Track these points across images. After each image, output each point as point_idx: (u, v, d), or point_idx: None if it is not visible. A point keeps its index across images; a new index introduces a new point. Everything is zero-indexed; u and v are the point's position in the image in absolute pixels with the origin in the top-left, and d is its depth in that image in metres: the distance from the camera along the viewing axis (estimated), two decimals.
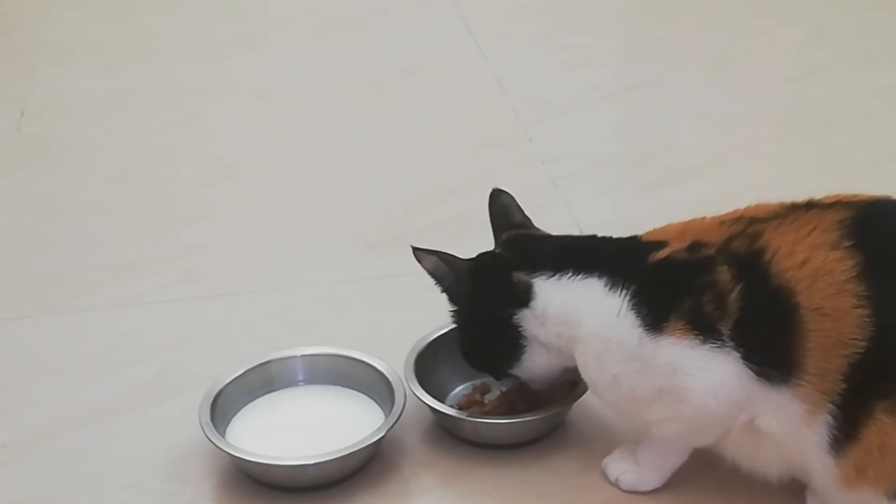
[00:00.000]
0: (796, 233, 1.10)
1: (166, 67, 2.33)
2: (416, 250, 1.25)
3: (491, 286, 1.23)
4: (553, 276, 1.20)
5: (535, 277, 1.21)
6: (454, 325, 1.30)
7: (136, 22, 2.55)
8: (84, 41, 2.47)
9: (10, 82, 2.28)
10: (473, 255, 1.28)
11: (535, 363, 1.24)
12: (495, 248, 1.27)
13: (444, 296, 1.28)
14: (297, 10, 2.58)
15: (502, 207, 1.31)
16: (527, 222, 1.31)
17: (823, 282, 1.07)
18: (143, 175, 1.95)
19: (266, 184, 1.92)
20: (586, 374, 1.22)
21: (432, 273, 1.26)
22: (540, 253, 1.23)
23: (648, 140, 2.04)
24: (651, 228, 1.22)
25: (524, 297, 1.21)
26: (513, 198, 1.32)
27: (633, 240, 1.21)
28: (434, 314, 1.35)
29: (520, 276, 1.21)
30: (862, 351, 1.06)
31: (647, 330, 1.14)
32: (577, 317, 1.19)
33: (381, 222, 1.78)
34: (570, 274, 1.19)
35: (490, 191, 1.32)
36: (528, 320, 1.22)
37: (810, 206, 1.14)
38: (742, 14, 2.49)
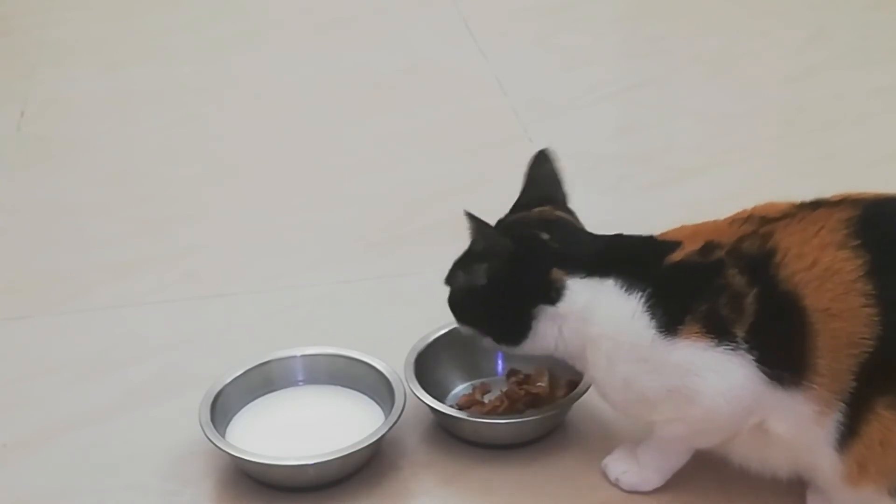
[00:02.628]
0: (804, 232, 1.10)
1: (166, 67, 2.33)
2: (468, 215, 1.22)
3: (528, 276, 1.21)
4: (584, 277, 1.20)
5: (570, 277, 1.20)
6: (465, 274, 1.26)
7: (136, 22, 2.55)
8: (84, 41, 2.47)
9: (10, 82, 2.28)
10: (515, 235, 1.24)
11: (527, 348, 1.24)
12: (539, 231, 1.23)
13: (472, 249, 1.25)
14: (296, 10, 2.58)
15: (549, 174, 1.30)
16: (566, 199, 1.30)
17: (832, 282, 1.07)
18: (143, 175, 1.95)
19: (266, 184, 1.92)
20: (595, 374, 1.21)
21: (473, 235, 1.24)
22: (581, 253, 1.21)
23: (648, 140, 2.04)
24: (658, 230, 1.22)
25: (554, 295, 1.20)
26: (557, 167, 1.31)
27: (651, 241, 1.21)
28: (434, 314, 1.35)
29: (559, 273, 1.20)
30: (871, 350, 1.06)
31: (661, 332, 1.13)
32: (593, 317, 1.18)
33: (381, 222, 1.78)
34: (597, 276, 1.19)
35: (536, 153, 1.32)
36: (546, 315, 1.21)
37: (818, 204, 1.14)
38: (742, 14, 2.49)
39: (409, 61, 2.32)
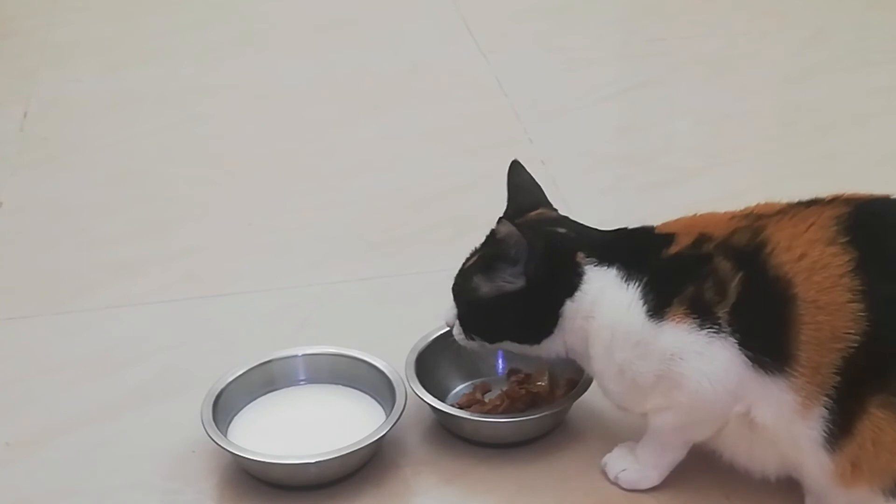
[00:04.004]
0: (795, 228, 1.12)
1: (167, 69, 2.34)
2: (502, 220, 1.21)
3: (559, 269, 1.21)
4: (597, 265, 1.21)
5: (587, 263, 1.21)
6: (488, 281, 1.24)
7: (138, 23, 2.55)
8: (86, 43, 2.47)
9: (14, 83, 2.28)
10: (539, 233, 1.24)
11: (545, 347, 1.24)
12: (554, 227, 1.25)
13: (500, 260, 1.22)
14: (297, 11, 2.58)
15: (529, 181, 1.33)
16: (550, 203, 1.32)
17: (819, 275, 1.09)
18: (145, 175, 1.95)
19: (266, 184, 1.92)
20: (595, 365, 1.22)
21: (504, 241, 1.21)
22: (594, 240, 1.23)
23: (648, 140, 2.04)
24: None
25: (577, 282, 1.20)
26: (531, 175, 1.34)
27: (650, 234, 1.22)
28: (435, 313, 1.35)
29: (581, 256, 1.21)
30: (856, 345, 1.07)
31: (650, 315, 1.15)
32: (596, 311, 1.20)
33: (381, 222, 1.79)
34: (605, 264, 1.20)
35: (511, 164, 1.33)
36: (569, 312, 1.21)
37: (811, 202, 1.16)
38: (741, 15, 2.50)
39: (410, 62, 2.32)
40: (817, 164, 1.90)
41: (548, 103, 2.14)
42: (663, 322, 1.15)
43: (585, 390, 1.32)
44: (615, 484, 1.27)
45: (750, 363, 1.12)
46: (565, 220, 1.28)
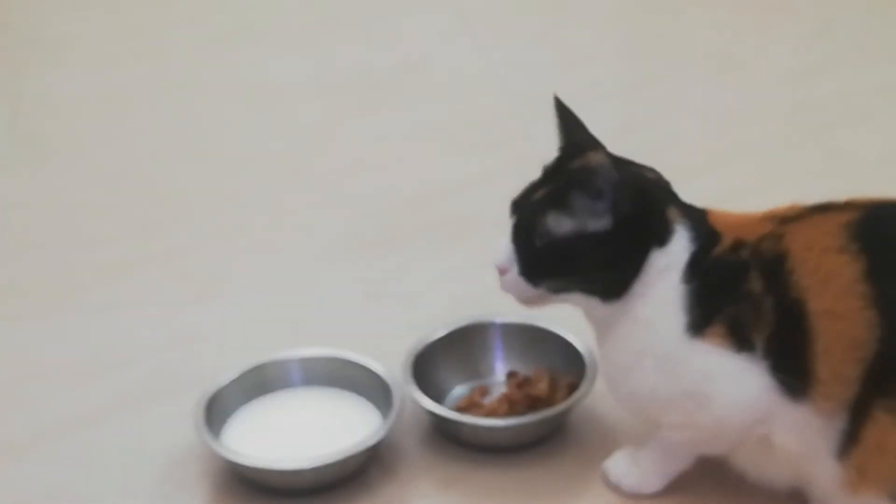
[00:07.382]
0: (809, 236, 1.10)
1: (161, 66, 2.34)
2: (597, 151, 1.12)
3: (647, 217, 1.13)
4: (687, 231, 1.14)
5: (678, 222, 1.14)
6: (568, 217, 1.13)
7: (130, 20, 2.56)
8: (77, 40, 2.47)
9: (4, 81, 2.29)
10: (628, 170, 1.15)
11: (610, 310, 1.15)
12: (643, 170, 1.17)
13: (581, 190, 1.12)
14: (295, 8, 2.59)
15: (579, 120, 1.22)
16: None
17: (834, 284, 1.07)
18: (138, 175, 1.95)
19: (263, 183, 1.91)
20: (612, 357, 1.19)
21: (594, 171, 1.11)
22: (685, 205, 1.16)
23: (650, 138, 2.03)
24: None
25: (666, 236, 1.13)
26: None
27: (707, 224, 1.15)
28: (432, 315, 1.34)
29: (674, 212, 1.14)
30: (874, 354, 1.06)
31: (690, 330, 1.12)
32: (650, 287, 1.13)
33: (380, 222, 1.78)
34: (692, 235, 1.13)
35: (555, 100, 1.24)
36: (650, 265, 1.12)
37: (826, 207, 1.13)
38: (746, 10, 2.50)
39: (409, 59, 2.33)
40: (822, 162, 1.90)
41: (548, 101, 2.12)
42: (701, 341, 1.11)
43: (586, 394, 1.30)
44: (616, 488, 1.25)
45: (780, 387, 1.09)
46: (656, 173, 1.18)
